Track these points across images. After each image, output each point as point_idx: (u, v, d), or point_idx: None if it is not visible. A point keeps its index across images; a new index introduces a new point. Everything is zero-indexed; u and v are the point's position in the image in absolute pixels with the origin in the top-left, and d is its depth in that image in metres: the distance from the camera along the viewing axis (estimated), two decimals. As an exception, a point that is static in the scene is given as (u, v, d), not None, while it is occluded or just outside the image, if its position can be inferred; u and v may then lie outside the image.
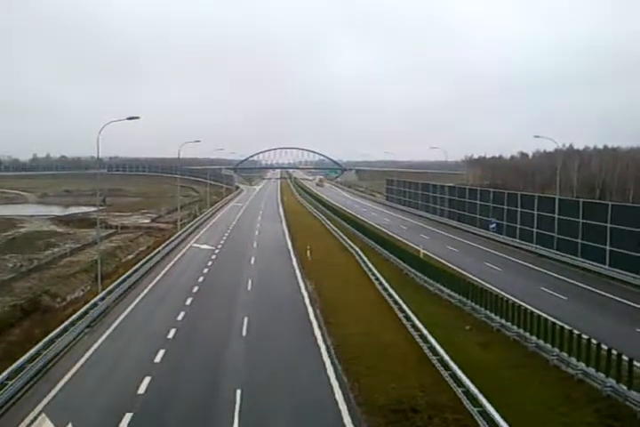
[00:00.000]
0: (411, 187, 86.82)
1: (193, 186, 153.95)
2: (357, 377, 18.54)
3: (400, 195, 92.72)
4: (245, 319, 25.39)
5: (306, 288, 32.52)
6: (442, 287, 30.31)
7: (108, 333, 23.71)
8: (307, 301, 29.44)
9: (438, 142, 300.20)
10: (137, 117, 34.36)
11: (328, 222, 65.45)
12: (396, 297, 27.65)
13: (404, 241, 51.52)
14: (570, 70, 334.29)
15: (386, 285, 30.79)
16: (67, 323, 23.26)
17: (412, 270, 35.34)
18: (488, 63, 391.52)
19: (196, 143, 72.73)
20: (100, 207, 72.13)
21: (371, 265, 36.67)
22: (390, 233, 57.90)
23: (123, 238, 61.57)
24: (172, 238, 50.53)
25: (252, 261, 41.57)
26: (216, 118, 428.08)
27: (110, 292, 29.24)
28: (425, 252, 43.54)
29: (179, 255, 44.77)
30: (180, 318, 25.99)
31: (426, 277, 32.81)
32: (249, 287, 32.76)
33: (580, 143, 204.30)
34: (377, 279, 33.13)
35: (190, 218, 75.62)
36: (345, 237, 50.96)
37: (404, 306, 25.89)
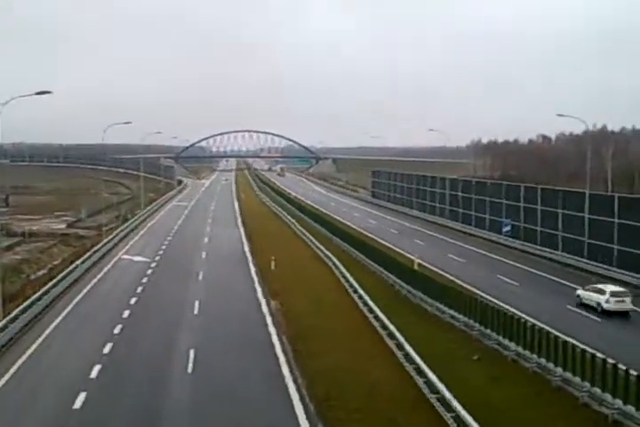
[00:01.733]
0: (403, 180, 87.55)
1: (122, 180, 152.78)
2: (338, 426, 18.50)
3: (389, 190, 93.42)
4: (191, 353, 25.21)
5: (269, 309, 32.48)
6: (442, 307, 30.48)
7: (7, 376, 23.02)
8: (270, 325, 29.40)
9: (437, 124, 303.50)
10: (48, 92, 33.97)
11: (297, 226, 65.65)
12: (385, 320, 27.71)
13: (395, 249, 51.90)
14: (603, 37, 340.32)
15: (371, 304, 30.88)
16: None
17: (405, 286, 35.50)
18: (499, 21, 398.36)
19: (126, 126, 72.27)
20: (2, 209, 71.16)
21: (352, 279, 36.77)
22: (377, 238, 58.28)
23: (31, 249, 60.73)
24: (96, 248, 50.13)
25: (200, 277, 41.47)
26: (152, 97, 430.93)
27: (14, 319, 28.79)
28: (420, 262, 43.84)
29: (105, 270, 44.42)
30: (106, 350, 25.68)
31: (422, 294, 32.98)
32: (195, 310, 32.62)
33: (614, 124, 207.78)
34: (360, 297, 33.22)
35: (119, 222, 75.06)
36: (319, 245, 51.10)
37: (395, 331, 25.96)
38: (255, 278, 40.87)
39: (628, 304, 31.59)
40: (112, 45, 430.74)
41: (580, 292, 33.61)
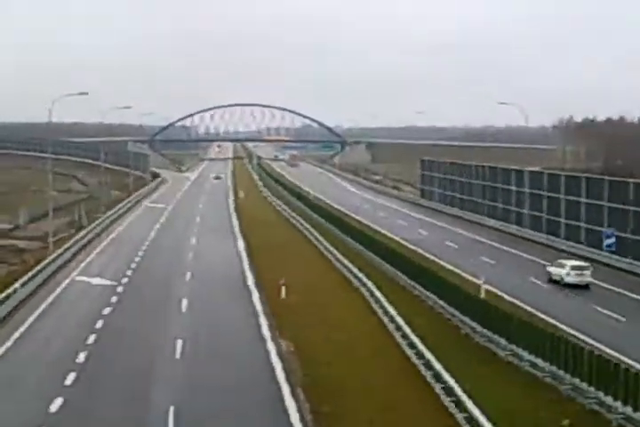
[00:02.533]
0: (464, 174, 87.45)
1: (77, 173, 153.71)
2: None
3: (445, 188, 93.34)
4: (170, 415, 25.15)
5: (278, 354, 32.47)
6: (520, 351, 30.35)
7: None
8: (280, 375, 29.36)
9: (508, 96, 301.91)
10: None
11: (318, 237, 65.72)
12: (438, 368, 27.61)
13: (453, 269, 51.94)
14: None
15: (420, 346, 30.76)
16: None
17: (468, 321, 35.34)
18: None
19: (81, 99, 72.72)
20: None
21: (393, 311, 36.67)
22: (428, 255, 58.31)
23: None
24: (41, 267, 50.38)
25: (184, 307, 41.63)
26: (118, 59, 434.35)
27: None
28: (489, 288, 43.67)
29: (52, 297, 44.62)
30: (53, 409, 25.67)
31: (491, 333, 32.81)
32: (177, 354, 32.71)
33: None
34: (403, 336, 33.11)
35: (72, 230, 75.47)
36: (347, 264, 51.06)
37: (453, 383, 25.88)
38: (259, 309, 41.04)
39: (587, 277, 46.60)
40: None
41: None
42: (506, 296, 43.26)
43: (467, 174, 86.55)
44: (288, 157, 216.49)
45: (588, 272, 47.06)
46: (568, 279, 46.71)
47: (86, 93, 71.45)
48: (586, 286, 46.69)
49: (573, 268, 47.18)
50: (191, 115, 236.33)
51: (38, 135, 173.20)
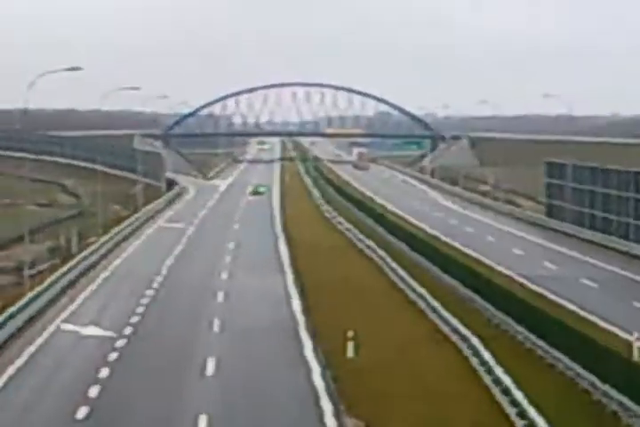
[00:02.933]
0: (609, 183, 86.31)
1: (64, 180, 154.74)
2: None
3: (582, 203, 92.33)
4: None
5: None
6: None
7: None
8: None
9: None
10: None
11: (400, 272, 65.62)
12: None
13: (593, 319, 51.43)
14: None
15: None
16: None
17: (617, 395, 34.79)
18: None
19: (71, 77, 72.42)
20: None
21: (508, 381, 36.26)
22: (555, 297, 58.00)
23: None
24: (11, 311, 50.63)
25: (210, 371, 41.66)
26: (121, 28, 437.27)
27: None
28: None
29: (25, 355, 44.69)
30: None
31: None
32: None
33: None
34: (520, 414, 32.71)
35: (57, 259, 75.99)
36: (444, 313, 50.91)
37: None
38: (315, 369, 41.15)
39: None
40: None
41: None
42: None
43: (613, 184, 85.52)
44: (356, 155, 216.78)
45: None
46: None
47: (79, 69, 71.65)
48: None
49: None
50: (222, 98, 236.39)
51: (11, 127, 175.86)
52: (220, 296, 60.52)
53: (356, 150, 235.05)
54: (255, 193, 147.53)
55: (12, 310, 50.96)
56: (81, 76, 74.86)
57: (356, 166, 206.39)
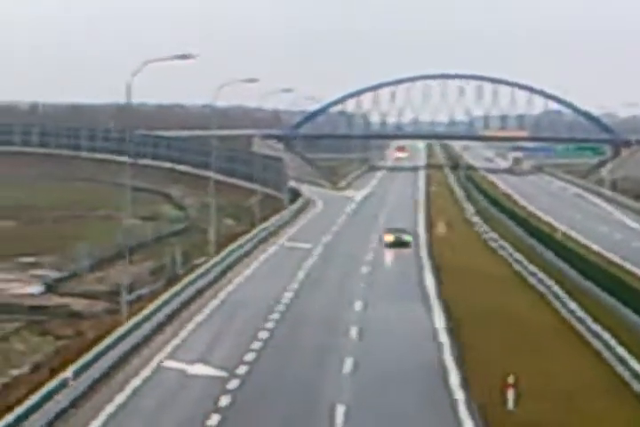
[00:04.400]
0: None
1: (169, 188, 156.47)
2: None
3: None
4: None
5: None
6: None
7: None
8: None
9: None
10: None
11: (571, 306, 65.09)
12: None
13: None
14: None
15: None
16: None
17: None
18: None
19: (180, 68, 72.60)
20: None
21: None
22: None
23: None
24: (107, 344, 51.18)
25: (339, 421, 41.62)
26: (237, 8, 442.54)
27: None
28: None
29: (122, 396, 45.15)
30: None
31: None
32: None
33: None
34: None
35: (160, 282, 76.67)
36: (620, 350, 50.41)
37: None
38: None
39: None
40: None
41: None
42: None
43: None
44: (512, 160, 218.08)
45: None
46: None
47: (191, 57, 71.77)
48: None
49: None
50: (357, 93, 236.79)
51: (110, 125, 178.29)
52: (354, 333, 60.49)
53: (511, 155, 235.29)
54: (395, 244, 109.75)
55: (106, 342, 51.57)
56: (191, 66, 75.02)
57: (512, 171, 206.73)
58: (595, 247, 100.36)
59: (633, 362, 48.48)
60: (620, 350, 51.28)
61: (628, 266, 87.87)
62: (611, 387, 47.74)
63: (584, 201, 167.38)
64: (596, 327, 57.61)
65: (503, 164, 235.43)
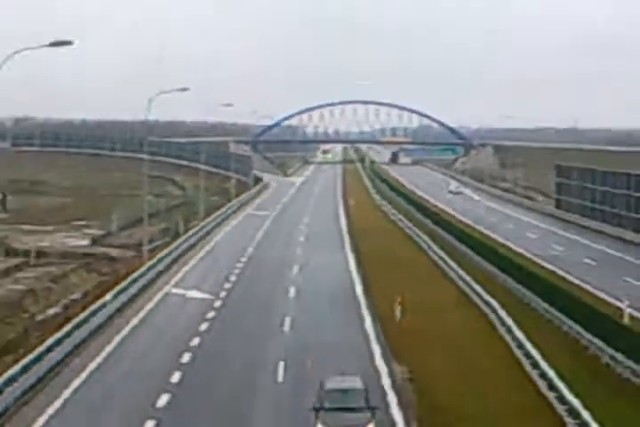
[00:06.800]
0: (606, 182, 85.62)
1: (174, 176, 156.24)
2: None
3: (585, 197, 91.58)
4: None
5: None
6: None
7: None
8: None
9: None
10: (68, 43, 35.07)
11: (434, 248, 65.61)
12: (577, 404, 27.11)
13: (594, 292, 50.89)
14: None
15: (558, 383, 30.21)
16: None
17: (608, 349, 34.52)
18: None
19: (179, 96, 73.00)
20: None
21: (521, 335, 36.11)
22: (564, 274, 57.64)
23: (39, 276, 62.70)
24: (133, 277, 51.37)
25: (287, 326, 42.13)
26: (219, 51, 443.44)
27: (10, 381, 29.71)
28: (633, 312, 42.77)
29: (144, 311, 45.53)
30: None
31: (635, 365, 32.04)
32: (279, 377, 33.02)
33: None
34: (534, 365, 32.58)
35: (168, 238, 76.77)
36: (464, 275, 50.95)
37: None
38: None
39: None
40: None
41: None
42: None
43: (610, 183, 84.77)
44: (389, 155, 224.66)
45: None
46: None
47: (187, 90, 71.80)
48: None
49: None
50: (297, 113, 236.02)
51: (136, 135, 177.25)
52: (296, 268, 60.60)
53: (389, 152, 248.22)
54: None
55: (134, 276, 51.91)
56: (188, 94, 74.80)
57: (393, 163, 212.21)
58: (448, 209, 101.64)
59: (475, 285, 49.06)
60: (468, 279, 51.73)
61: (464, 219, 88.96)
62: (460, 303, 48.27)
63: (444, 182, 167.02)
64: (453, 264, 58.02)
65: (406, 161, 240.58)
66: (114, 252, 75.26)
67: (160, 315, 44.87)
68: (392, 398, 30.26)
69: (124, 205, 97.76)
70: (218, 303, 47.24)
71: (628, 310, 42.58)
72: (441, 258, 62.72)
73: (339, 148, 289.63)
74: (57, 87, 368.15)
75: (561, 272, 58.05)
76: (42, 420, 27.84)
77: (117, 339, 39.50)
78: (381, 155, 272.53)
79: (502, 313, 41.16)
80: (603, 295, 49.44)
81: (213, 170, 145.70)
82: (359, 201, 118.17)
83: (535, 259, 64.51)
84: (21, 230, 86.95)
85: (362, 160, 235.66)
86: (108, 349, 37.53)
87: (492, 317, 42.55)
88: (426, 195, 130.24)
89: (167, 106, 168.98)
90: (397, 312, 43.22)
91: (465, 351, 37.34)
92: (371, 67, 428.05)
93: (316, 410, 25.89)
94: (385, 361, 35.26)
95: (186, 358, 35.47)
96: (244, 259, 65.04)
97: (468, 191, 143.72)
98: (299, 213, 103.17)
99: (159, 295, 50.07)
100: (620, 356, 33.54)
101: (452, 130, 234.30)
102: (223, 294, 50.26)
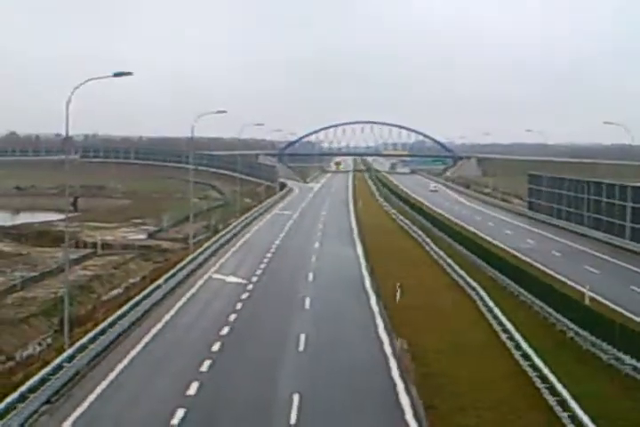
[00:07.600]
0: (570, 188, 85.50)
1: (214, 182, 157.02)
2: None
3: (553, 200, 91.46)
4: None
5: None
6: (622, 355, 29.51)
7: (74, 416, 24.17)
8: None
9: (615, 116, 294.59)
10: (128, 73, 35.20)
11: (430, 243, 65.41)
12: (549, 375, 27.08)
13: (561, 278, 50.87)
14: None
15: (526, 348, 30.28)
16: (14, 396, 23.84)
17: (573, 326, 34.49)
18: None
19: (218, 117, 73.67)
20: (70, 214, 73.63)
21: (498, 312, 36.08)
22: (535, 263, 57.55)
23: (104, 264, 63.34)
24: (182, 265, 51.58)
25: (307, 304, 42.24)
26: (251, 80, 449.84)
27: (83, 348, 29.93)
28: (592, 295, 42.83)
29: (190, 292, 45.77)
30: (191, 391, 26.59)
31: (594, 338, 32.03)
32: (301, 347, 33.10)
33: None
34: (510, 338, 32.59)
35: (209, 233, 76.99)
36: (452, 264, 50.83)
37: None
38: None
39: None
40: (198, 24, 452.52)
41: None
42: (609, 303, 42.14)
43: (573, 188, 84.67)
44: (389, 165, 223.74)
45: None
46: None
47: (224, 112, 72.65)
48: None
49: None
50: (315, 131, 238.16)
51: (182, 149, 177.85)
52: (313, 257, 60.69)
53: (389, 162, 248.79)
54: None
55: (182, 264, 52.11)
56: (225, 115, 75.65)
57: (393, 171, 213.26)
58: (438, 211, 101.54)
59: (461, 271, 49.15)
60: (457, 268, 51.69)
61: (450, 217, 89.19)
62: (450, 285, 48.30)
63: (436, 189, 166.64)
64: (442, 253, 58.05)
65: (403, 170, 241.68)
66: (165, 244, 75.75)
67: (203, 296, 45.02)
68: (393, 364, 30.43)
69: (173, 207, 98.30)
70: (250, 287, 47.37)
71: (589, 294, 42.64)
72: (432, 249, 63.04)
73: (349, 160, 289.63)
74: (118, 109, 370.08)
75: (532, 261, 58.01)
76: (113, 375, 28.71)
77: (173, 310, 40.20)
78: (383, 165, 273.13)
79: (484, 294, 41.36)
80: (567, 280, 49.47)
81: (246, 177, 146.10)
82: (366, 202, 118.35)
83: (511, 251, 64.42)
84: (89, 227, 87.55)
85: (368, 169, 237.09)
86: (166, 317, 38.35)
87: (476, 297, 42.69)
88: (414, 195, 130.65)
89: (208, 124, 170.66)
90: (397, 294, 43.37)
91: (452, 324, 37.55)
92: (375, 94, 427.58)
93: None
94: (387, 333, 35.48)
95: (225, 330, 35.64)
96: (272, 250, 65.14)
97: (443, 188, 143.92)
98: (316, 213, 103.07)
99: (204, 279, 50.30)
100: (582, 331, 33.64)
101: (441, 145, 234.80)
102: (254, 278, 50.39)
